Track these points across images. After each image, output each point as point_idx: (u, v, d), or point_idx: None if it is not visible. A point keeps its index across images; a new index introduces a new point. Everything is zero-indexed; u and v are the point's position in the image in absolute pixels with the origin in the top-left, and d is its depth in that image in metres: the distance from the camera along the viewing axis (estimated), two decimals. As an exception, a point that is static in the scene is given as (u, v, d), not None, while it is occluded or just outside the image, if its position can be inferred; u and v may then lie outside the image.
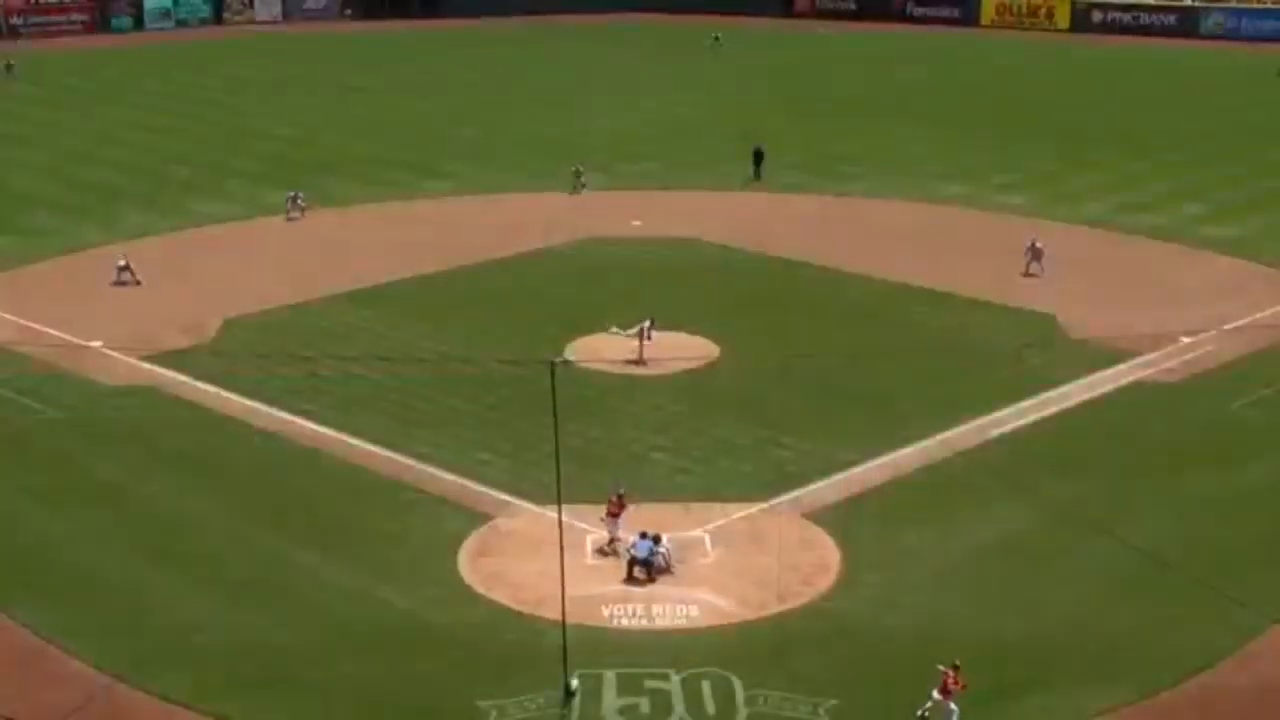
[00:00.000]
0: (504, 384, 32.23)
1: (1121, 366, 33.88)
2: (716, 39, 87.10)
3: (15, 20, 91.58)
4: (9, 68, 76.36)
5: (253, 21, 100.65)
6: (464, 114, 68.37)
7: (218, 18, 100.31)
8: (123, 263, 40.85)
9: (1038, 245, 41.33)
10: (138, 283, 40.52)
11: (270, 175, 53.81)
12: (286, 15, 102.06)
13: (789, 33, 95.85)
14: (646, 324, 34.33)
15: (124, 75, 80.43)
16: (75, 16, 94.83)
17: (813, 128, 64.07)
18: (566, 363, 31.52)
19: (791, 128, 63.15)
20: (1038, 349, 34.78)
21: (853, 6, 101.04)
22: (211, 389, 32.81)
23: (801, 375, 32.68)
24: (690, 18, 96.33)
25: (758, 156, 53.78)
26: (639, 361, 34.10)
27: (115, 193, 51.74)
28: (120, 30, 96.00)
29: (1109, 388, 32.87)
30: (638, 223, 47.00)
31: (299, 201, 48.65)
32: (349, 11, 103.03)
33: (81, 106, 70.54)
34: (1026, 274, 40.94)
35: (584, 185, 51.60)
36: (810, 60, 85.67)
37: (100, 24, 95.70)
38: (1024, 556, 25.45)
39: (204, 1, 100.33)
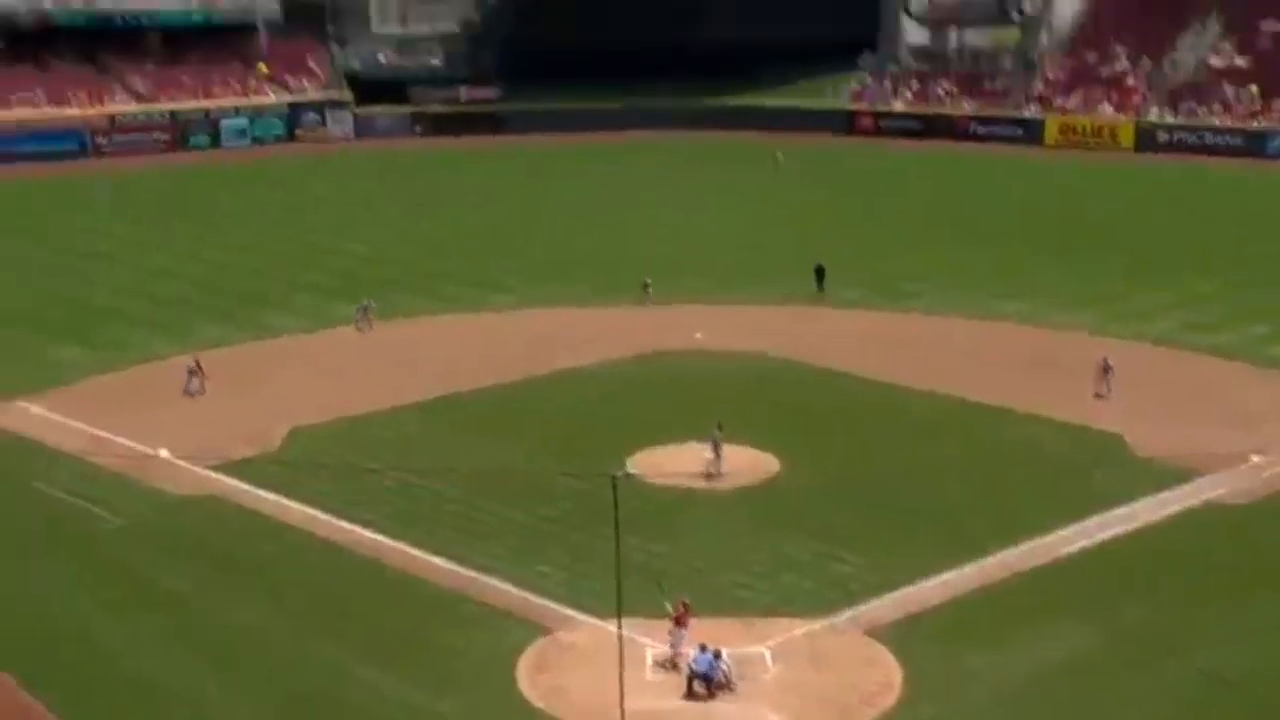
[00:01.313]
0: (565, 497, 32.28)
1: (1190, 486, 33.43)
2: (777, 157, 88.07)
3: (100, 140, 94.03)
4: (103, 190, 78.94)
5: (326, 139, 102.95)
6: (529, 228, 69.39)
7: (291, 135, 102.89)
8: (193, 364, 41.47)
9: (1109, 363, 40.88)
10: (203, 390, 41.12)
11: (340, 289, 54.79)
12: (358, 132, 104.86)
13: (851, 149, 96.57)
14: (717, 434, 34.17)
15: (201, 192, 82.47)
16: (156, 135, 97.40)
17: (875, 244, 64.36)
18: (628, 476, 31.39)
19: (853, 244, 63.50)
20: (1104, 467, 34.33)
21: (917, 125, 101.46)
22: (274, 498, 33.10)
23: (864, 490, 32.43)
24: (751, 135, 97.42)
25: (819, 273, 53.97)
26: (714, 475, 33.94)
27: (189, 306, 52.88)
28: (198, 147, 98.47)
29: (1177, 508, 32.39)
30: (700, 335, 47.17)
31: (368, 313, 49.34)
32: (419, 129, 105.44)
33: (161, 223, 72.29)
34: (1097, 394, 40.47)
35: (650, 298, 52.01)
36: (873, 177, 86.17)
37: (180, 141, 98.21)
38: (1089, 678, 24.97)
39: (279, 119, 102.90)
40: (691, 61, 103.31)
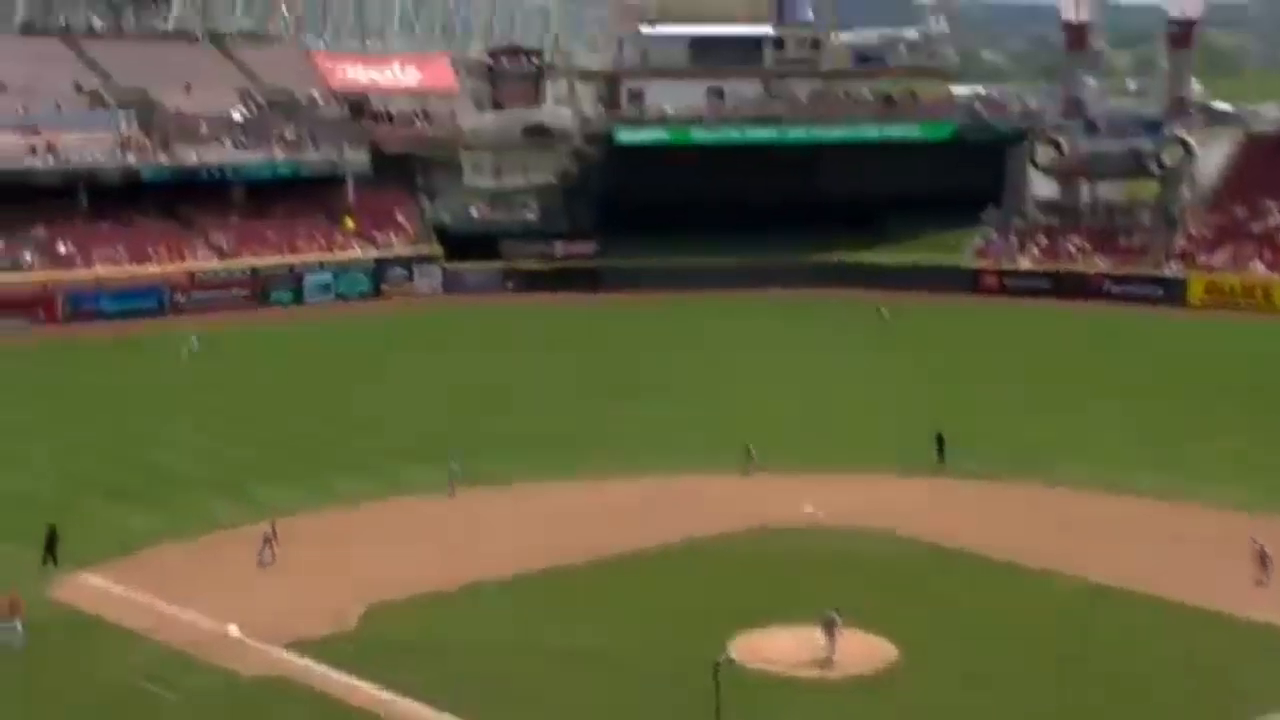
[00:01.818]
0: (662, 682, 31.81)
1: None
2: (881, 312, 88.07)
3: (179, 297, 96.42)
4: (190, 348, 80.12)
5: (412, 294, 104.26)
6: (623, 388, 69.49)
7: (377, 290, 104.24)
8: (269, 531, 41.86)
9: (1266, 551, 39.71)
10: (274, 560, 41.40)
11: (422, 452, 54.92)
12: (447, 288, 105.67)
13: (974, 308, 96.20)
14: (832, 616, 33.92)
15: (282, 350, 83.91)
16: (236, 291, 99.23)
17: (1000, 410, 63.78)
18: (730, 661, 31.03)
19: (977, 410, 62.91)
20: (1260, 664, 33.20)
21: (1045, 284, 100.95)
22: (347, 679, 32.99)
23: (990, 685, 31.57)
24: (865, 293, 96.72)
25: (939, 441, 53.54)
26: (826, 662, 33.60)
27: (264, 471, 53.27)
28: (280, 303, 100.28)
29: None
30: (810, 509, 46.80)
31: (455, 477, 49.58)
32: (511, 284, 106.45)
33: (238, 383, 73.58)
34: (1257, 581, 39.39)
35: (755, 465, 51.84)
36: (998, 338, 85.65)
37: (261, 297, 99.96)
38: None
39: (365, 274, 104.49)
40: (802, 215, 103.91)
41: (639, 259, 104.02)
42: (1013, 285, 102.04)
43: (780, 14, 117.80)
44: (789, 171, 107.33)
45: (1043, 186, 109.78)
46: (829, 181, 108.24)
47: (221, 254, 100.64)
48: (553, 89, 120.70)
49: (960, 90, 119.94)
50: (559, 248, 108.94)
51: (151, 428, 62.36)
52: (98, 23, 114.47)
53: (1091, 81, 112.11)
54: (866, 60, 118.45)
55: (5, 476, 53.00)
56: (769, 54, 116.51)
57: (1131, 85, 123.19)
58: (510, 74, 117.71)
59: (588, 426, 60.67)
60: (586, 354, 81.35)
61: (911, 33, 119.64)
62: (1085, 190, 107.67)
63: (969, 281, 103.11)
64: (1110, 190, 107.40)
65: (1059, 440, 57.33)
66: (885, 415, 62.19)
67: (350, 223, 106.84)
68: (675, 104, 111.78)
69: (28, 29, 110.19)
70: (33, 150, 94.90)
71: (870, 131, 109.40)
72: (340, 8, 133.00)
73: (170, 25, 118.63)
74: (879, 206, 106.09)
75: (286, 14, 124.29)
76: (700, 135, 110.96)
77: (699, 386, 70.29)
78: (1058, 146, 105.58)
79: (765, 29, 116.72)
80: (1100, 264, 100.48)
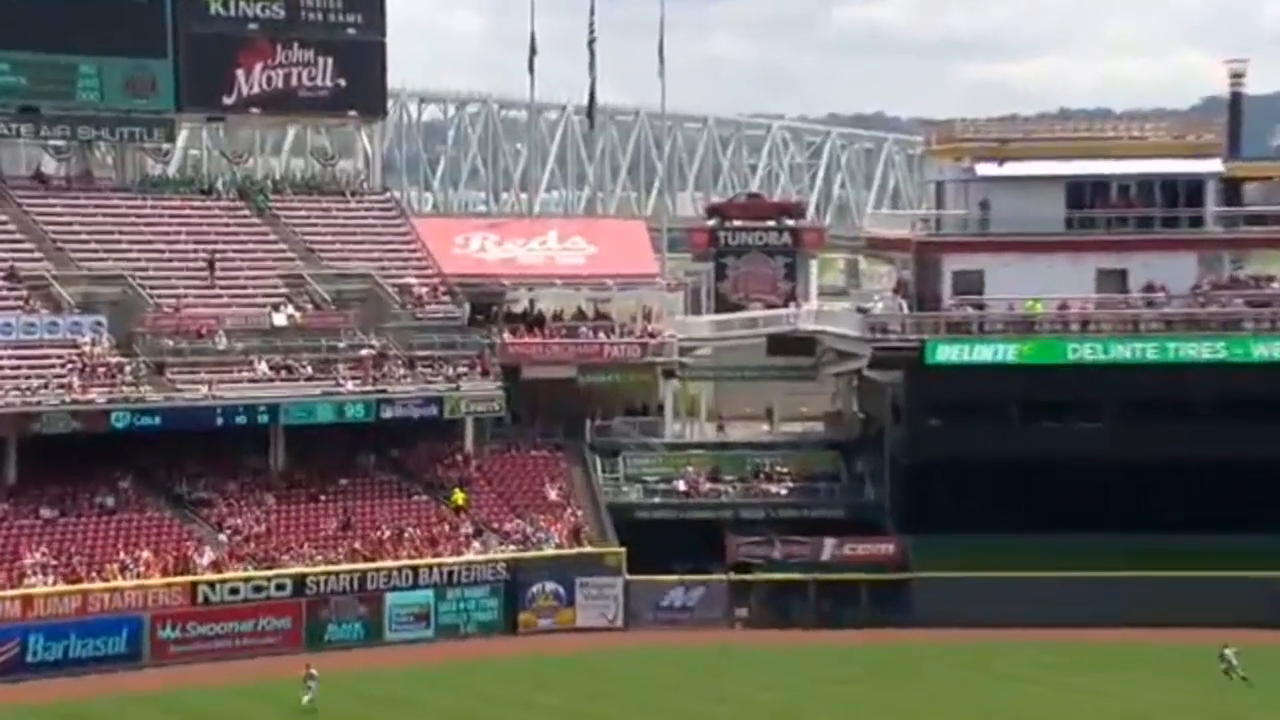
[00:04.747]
0: None
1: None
2: (1224, 658, 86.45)
3: (167, 632, 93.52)
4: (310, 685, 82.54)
5: (568, 626, 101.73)
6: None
7: (510, 621, 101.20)
8: None
9: None
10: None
11: None
12: (631, 617, 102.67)
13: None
14: None
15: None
16: (267, 621, 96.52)
17: None
18: None
19: None
20: None
21: None
22: None
23: None
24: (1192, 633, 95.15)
25: None
26: None
27: None
28: (343, 642, 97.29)
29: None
30: None
31: None
32: (744, 613, 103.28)
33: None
34: None
35: None
36: None
37: (311, 633, 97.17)
38: None
39: (488, 593, 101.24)
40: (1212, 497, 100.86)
41: (974, 564, 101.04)
42: None
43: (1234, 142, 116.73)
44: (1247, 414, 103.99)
45: None
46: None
47: (243, 555, 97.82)
48: (817, 273, 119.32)
49: None
50: (829, 547, 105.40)
51: None
52: (49, 163, 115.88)
53: None
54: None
55: None
56: (1211, 208, 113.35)
57: None
58: (749, 248, 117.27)
59: None
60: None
61: None
62: None
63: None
64: None
65: None
66: None
67: (461, 497, 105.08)
68: (1039, 294, 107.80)
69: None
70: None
71: None
72: (460, 147, 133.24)
73: (172, 168, 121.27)
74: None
75: (369, 149, 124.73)
76: (1088, 352, 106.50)
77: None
78: None
79: (1211, 165, 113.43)
80: None
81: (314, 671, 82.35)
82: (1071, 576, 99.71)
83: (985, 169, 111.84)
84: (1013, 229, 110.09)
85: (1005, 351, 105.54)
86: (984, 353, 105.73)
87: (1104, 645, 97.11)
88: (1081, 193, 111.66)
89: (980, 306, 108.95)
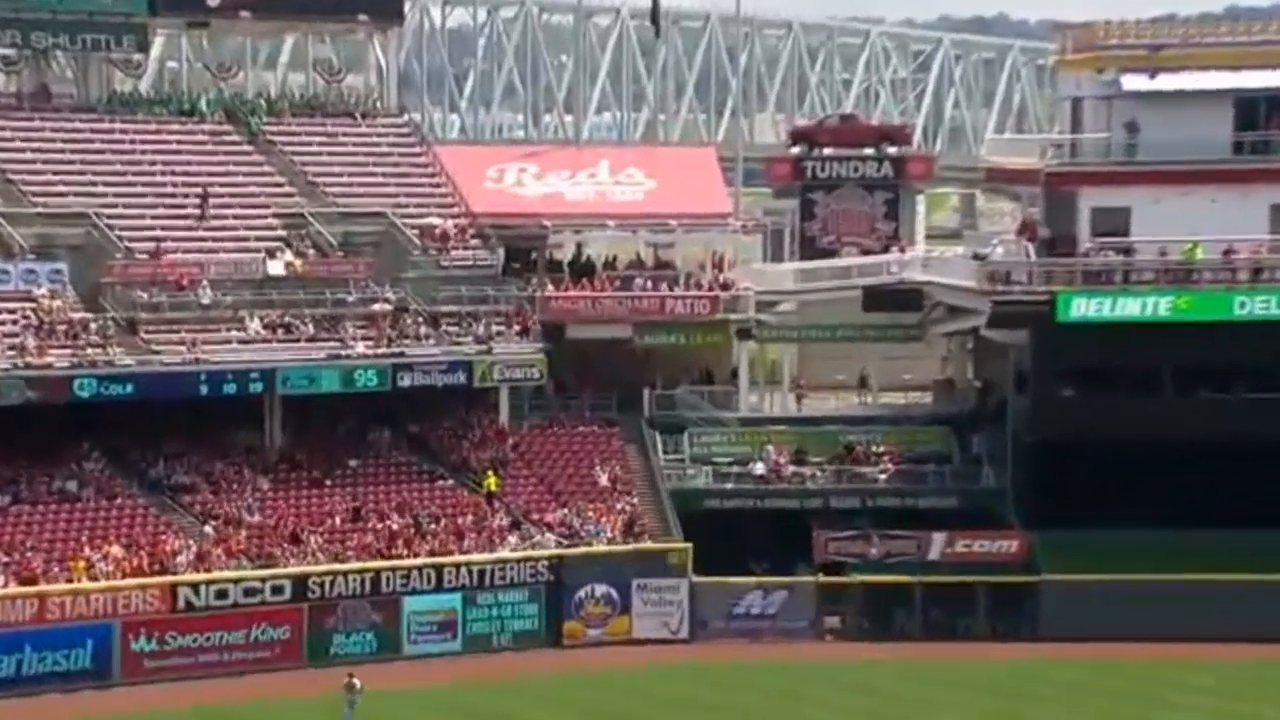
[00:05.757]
0: None
1: None
2: None
3: (141, 644, 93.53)
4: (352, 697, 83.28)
5: (622, 636, 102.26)
6: None
7: (554, 631, 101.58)
8: None
9: None
10: None
11: None
12: (698, 627, 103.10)
13: None
14: None
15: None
16: (262, 630, 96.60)
17: None
18: None
19: None
20: None
21: None
22: None
23: None
24: None
25: None
26: None
27: None
28: (350, 656, 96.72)
29: None
30: None
31: None
32: (833, 621, 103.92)
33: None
34: None
35: None
36: None
37: (312, 646, 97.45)
38: None
39: (527, 597, 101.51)
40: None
41: (1114, 566, 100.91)
42: None
43: None
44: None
45: None
46: None
47: (232, 551, 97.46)
48: (925, 212, 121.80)
49: None
50: (938, 544, 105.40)
51: None
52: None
53: None
54: None
55: None
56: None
57: None
58: (842, 181, 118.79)
59: None
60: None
61: None
62: None
63: None
64: None
65: None
66: None
67: (494, 482, 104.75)
68: (1199, 235, 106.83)
69: None
70: None
71: None
72: (492, 59, 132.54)
73: (145, 84, 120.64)
74: None
75: (382, 61, 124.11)
76: (1259, 307, 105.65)
77: None
78: None
79: None
80: None
81: (357, 683, 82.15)
82: (1235, 580, 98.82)
83: (1133, 82, 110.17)
84: (1167, 156, 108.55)
85: (1157, 306, 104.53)
86: (1130, 307, 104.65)
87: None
88: (1254, 111, 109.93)
89: (1126, 251, 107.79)
